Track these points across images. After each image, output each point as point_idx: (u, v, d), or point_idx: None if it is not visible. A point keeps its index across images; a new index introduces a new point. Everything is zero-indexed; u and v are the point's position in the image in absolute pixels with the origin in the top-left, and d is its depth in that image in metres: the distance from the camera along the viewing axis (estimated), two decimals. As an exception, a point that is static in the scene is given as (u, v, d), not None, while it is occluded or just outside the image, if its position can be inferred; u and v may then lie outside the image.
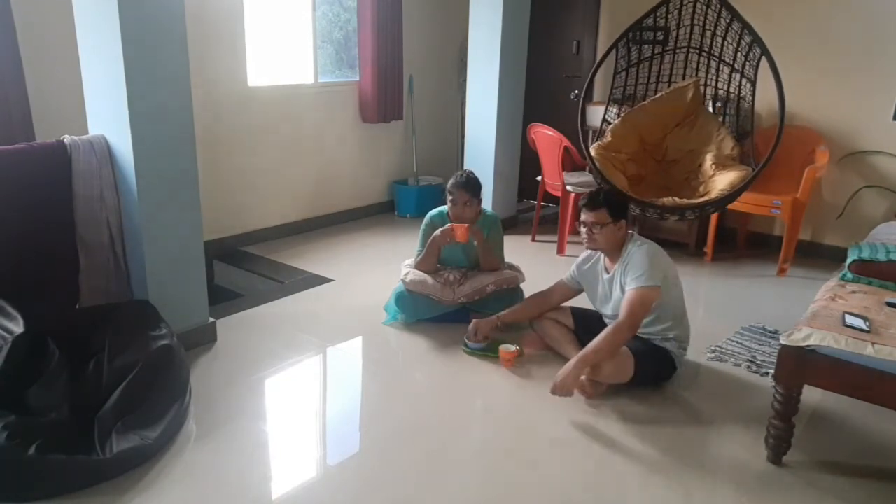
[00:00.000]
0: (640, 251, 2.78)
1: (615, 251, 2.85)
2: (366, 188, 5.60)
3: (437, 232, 3.35)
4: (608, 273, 2.91)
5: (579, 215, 2.88)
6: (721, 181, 3.71)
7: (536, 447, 2.49)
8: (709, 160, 3.90)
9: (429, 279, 3.38)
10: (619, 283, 2.81)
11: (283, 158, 4.88)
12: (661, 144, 4.26)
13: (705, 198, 3.67)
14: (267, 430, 2.59)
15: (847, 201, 4.50)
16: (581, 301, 3.23)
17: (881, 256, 2.72)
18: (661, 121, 4.21)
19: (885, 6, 4.20)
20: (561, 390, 2.61)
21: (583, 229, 2.85)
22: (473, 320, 3.18)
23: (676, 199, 3.70)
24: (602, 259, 2.96)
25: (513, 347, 3.06)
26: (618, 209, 2.80)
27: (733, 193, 3.61)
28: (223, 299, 3.88)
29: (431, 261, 3.44)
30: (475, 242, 3.40)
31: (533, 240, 5.02)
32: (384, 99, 5.31)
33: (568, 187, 4.63)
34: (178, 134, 2.89)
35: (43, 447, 2.08)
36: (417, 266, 3.46)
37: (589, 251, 3.01)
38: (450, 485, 2.26)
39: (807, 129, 4.49)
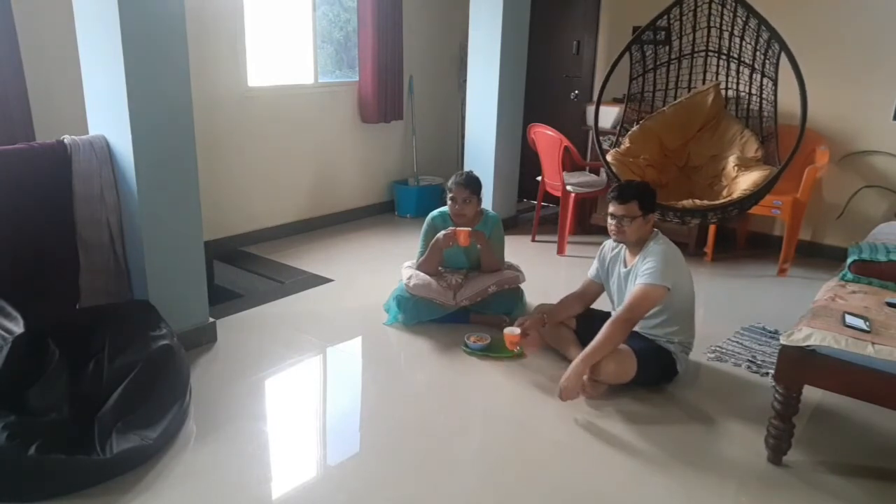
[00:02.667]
0: (658, 249, 2.77)
1: (639, 245, 2.84)
2: (366, 188, 5.59)
3: (440, 235, 3.35)
4: (626, 267, 2.90)
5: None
6: (744, 181, 3.62)
7: (537, 447, 2.49)
8: (731, 162, 3.83)
9: (433, 283, 3.37)
10: (635, 277, 2.79)
11: (283, 158, 4.88)
12: (682, 151, 4.21)
13: (728, 198, 3.61)
14: (267, 430, 2.59)
15: (847, 201, 4.50)
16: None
17: (881, 256, 2.72)
18: (682, 127, 4.15)
19: (885, 7, 4.20)
20: (567, 394, 2.62)
21: (611, 221, 2.83)
22: (520, 318, 3.15)
23: (697, 200, 3.64)
24: (623, 252, 2.95)
25: (517, 330, 3.04)
26: (648, 202, 2.79)
27: (757, 193, 3.53)
28: (223, 299, 3.89)
29: (433, 264, 3.43)
30: (478, 245, 3.39)
31: (533, 240, 5.02)
32: (384, 99, 5.31)
33: (568, 187, 4.63)
34: (178, 134, 2.89)
35: (43, 447, 2.08)
36: (419, 268, 3.45)
37: (611, 243, 3.01)
38: (450, 485, 2.26)
39: (807, 129, 4.47)
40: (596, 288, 3.12)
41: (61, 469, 2.11)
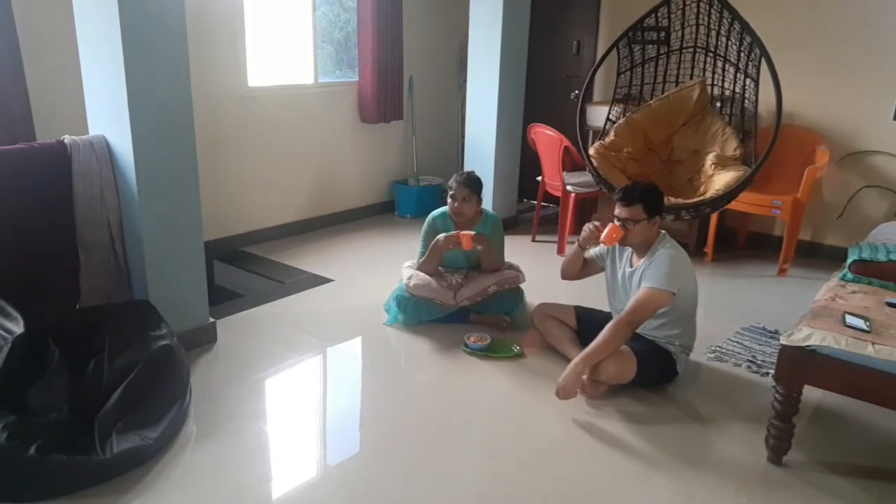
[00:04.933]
0: (666, 254, 2.75)
1: (645, 248, 2.82)
2: (366, 188, 5.60)
3: (441, 237, 3.34)
4: (632, 267, 2.89)
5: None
6: (718, 181, 3.71)
7: (537, 447, 2.49)
8: (709, 160, 3.90)
9: (433, 283, 3.37)
10: (640, 280, 2.78)
11: (283, 158, 4.88)
12: (667, 144, 4.25)
13: (700, 197, 3.66)
14: (267, 430, 2.59)
15: (847, 201, 4.50)
16: (585, 300, 3.24)
17: (881, 256, 2.72)
18: (668, 120, 4.20)
19: (885, 6, 4.20)
20: (565, 393, 2.61)
21: (616, 223, 2.80)
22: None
23: (671, 198, 3.69)
24: (628, 251, 2.94)
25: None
26: (653, 205, 2.76)
27: (728, 194, 3.60)
28: (223, 299, 3.89)
29: (433, 264, 3.43)
30: (478, 248, 3.38)
31: (533, 240, 5.02)
32: (384, 99, 5.31)
33: (568, 187, 4.63)
34: (178, 134, 2.89)
35: (43, 447, 2.08)
36: (419, 268, 3.45)
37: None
38: (450, 485, 2.26)
39: (807, 129, 4.49)
40: (596, 267, 3.11)
41: (61, 469, 2.11)
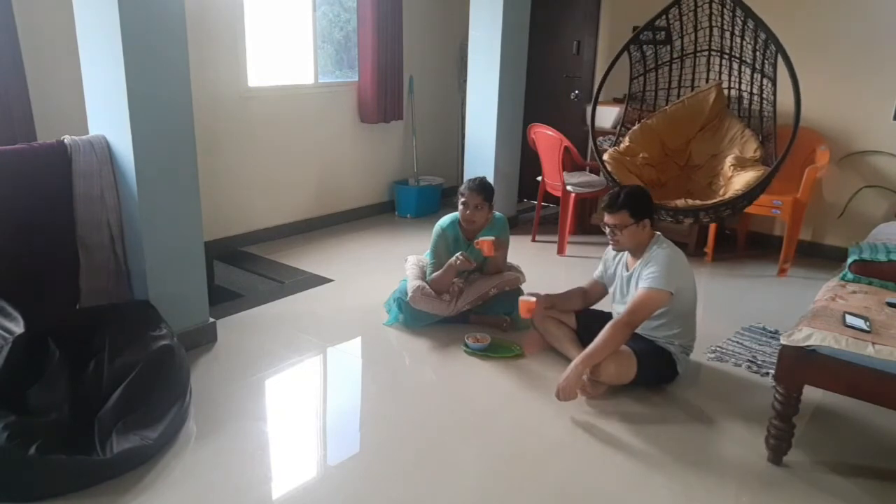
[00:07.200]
0: (662, 253, 2.75)
1: (640, 250, 2.83)
2: (366, 188, 5.60)
3: (459, 256, 3.27)
4: (628, 271, 2.89)
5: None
6: (738, 182, 3.64)
7: (537, 447, 2.49)
8: (728, 162, 3.83)
9: (435, 299, 3.34)
10: (637, 281, 2.79)
11: (283, 158, 4.88)
12: (684, 150, 4.20)
13: (720, 198, 3.61)
14: (267, 430, 2.59)
15: (847, 201, 4.50)
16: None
17: (881, 256, 2.72)
18: (684, 126, 4.14)
19: (885, 7, 4.20)
20: (565, 394, 2.61)
21: (606, 231, 2.83)
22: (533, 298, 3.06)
23: (689, 200, 3.65)
24: (625, 256, 2.95)
25: (533, 298, 3.00)
26: (639, 209, 2.76)
27: (748, 193, 3.54)
28: (223, 299, 3.88)
29: (446, 282, 3.37)
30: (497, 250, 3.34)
31: (533, 240, 5.02)
32: (384, 99, 5.31)
33: (568, 187, 4.63)
34: (178, 134, 2.89)
35: (43, 447, 2.08)
36: (431, 284, 3.38)
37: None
38: (450, 485, 2.26)
39: (807, 129, 4.48)
40: (600, 289, 3.13)
41: (61, 469, 2.11)
